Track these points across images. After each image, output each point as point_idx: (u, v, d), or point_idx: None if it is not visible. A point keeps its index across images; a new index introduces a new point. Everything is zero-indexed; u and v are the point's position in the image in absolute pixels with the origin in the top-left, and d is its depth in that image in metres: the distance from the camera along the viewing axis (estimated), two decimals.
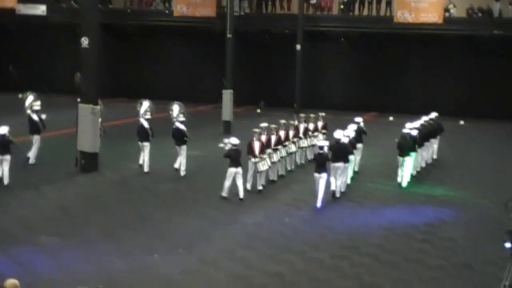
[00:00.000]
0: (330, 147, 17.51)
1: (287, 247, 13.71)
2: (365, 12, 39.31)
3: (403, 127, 20.24)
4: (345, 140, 18.26)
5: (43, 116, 20.86)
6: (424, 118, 23.15)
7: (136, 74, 43.64)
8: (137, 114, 20.73)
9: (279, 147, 19.28)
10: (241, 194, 17.17)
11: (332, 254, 13.44)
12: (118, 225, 14.88)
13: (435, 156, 23.62)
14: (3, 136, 17.58)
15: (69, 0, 42.24)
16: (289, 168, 20.97)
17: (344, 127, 19.56)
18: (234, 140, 17.25)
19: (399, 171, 19.66)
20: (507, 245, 10.78)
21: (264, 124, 19.06)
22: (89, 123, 19.90)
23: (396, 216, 16.49)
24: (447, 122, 28.77)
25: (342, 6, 39.63)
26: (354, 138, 19.65)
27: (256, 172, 18.06)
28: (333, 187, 17.75)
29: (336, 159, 17.51)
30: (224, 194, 17.22)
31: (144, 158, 20.25)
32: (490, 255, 13.48)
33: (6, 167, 17.69)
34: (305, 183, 19.14)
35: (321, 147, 17.21)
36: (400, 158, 19.52)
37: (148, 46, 43.69)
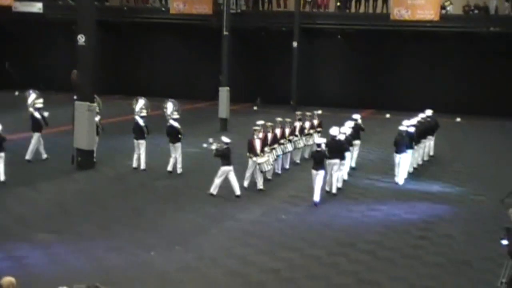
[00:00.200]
0: (326, 144, 17.51)
1: (285, 244, 13.69)
2: (362, 9, 39.31)
3: (400, 124, 20.24)
4: (341, 137, 18.26)
5: (46, 114, 20.88)
6: (421, 115, 23.16)
7: (132, 71, 43.64)
8: (133, 111, 20.69)
9: (275, 145, 19.24)
10: (238, 191, 17.15)
11: (330, 250, 13.42)
12: (114, 221, 14.85)
13: (431, 153, 23.64)
14: None
15: None
16: (286, 167, 20.97)
17: (341, 124, 19.54)
18: (226, 139, 17.23)
19: (396, 170, 19.66)
20: (504, 242, 10.77)
21: (260, 122, 19.02)
22: (85, 120, 19.84)
23: (393, 213, 16.47)
24: (444, 119, 28.84)
25: (338, 3, 39.64)
26: (351, 135, 19.64)
27: (261, 172, 18.10)
28: (327, 188, 17.79)
29: (331, 156, 17.51)
30: (213, 191, 17.19)
31: (141, 155, 20.22)
32: (487, 252, 13.49)
33: (1, 164, 17.66)
34: (302, 180, 19.15)
35: (319, 145, 17.20)
36: (397, 155, 19.53)
37: (145, 44, 43.68)
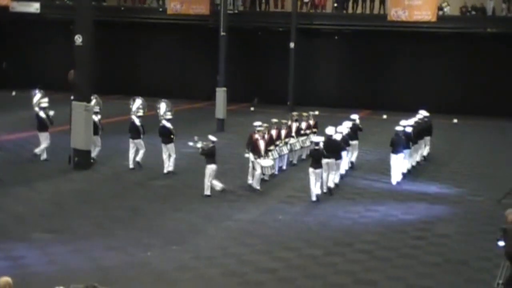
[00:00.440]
0: (322, 143, 17.54)
1: (282, 244, 13.69)
2: (359, 10, 39.29)
3: (397, 124, 20.24)
4: (337, 136, 18.27)
5: (51, 113, 20.93)
6: (418, 116, 23.18)
7: (130, 71, 43.57)
8: (129, 111, 20.68)
9: (272, 147, 19.23)
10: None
11: (327, 250, 13.42)
12: (111, 221, 14.84)
13: (425, 153, 23.58)
14: None
15: None
16: (284, 167, 20.98)
17: (338, 125, 19.54)
18: (212, 137, 17.28)
19: (392, 171, 19.65)
20: (501, 243, 10.77)
21: (257, 123, 18.97)
22: (82, 120, 19.83)
23: (391, 213, 16.48)
24: (441, 120, 28.87)
25: (335, 4, 39.60)
26: (348, 134, 19.64)
27: (263, 174, 18.18)
28: (324, 188, 17.79)
29: (327, 155, 17.52)
30: (207, 192, 17.20)
31: (139, 154, 20.23)
32: (484, 252, 13.49)
33: None
34: (299, 180, 19.17)
35: (317, 143, 17.26)
36: (393, 156, 19.53)
37: (142, 44, 43.62)
